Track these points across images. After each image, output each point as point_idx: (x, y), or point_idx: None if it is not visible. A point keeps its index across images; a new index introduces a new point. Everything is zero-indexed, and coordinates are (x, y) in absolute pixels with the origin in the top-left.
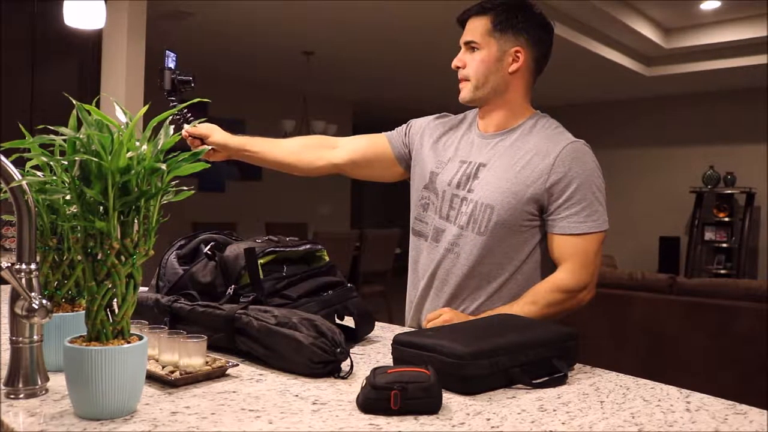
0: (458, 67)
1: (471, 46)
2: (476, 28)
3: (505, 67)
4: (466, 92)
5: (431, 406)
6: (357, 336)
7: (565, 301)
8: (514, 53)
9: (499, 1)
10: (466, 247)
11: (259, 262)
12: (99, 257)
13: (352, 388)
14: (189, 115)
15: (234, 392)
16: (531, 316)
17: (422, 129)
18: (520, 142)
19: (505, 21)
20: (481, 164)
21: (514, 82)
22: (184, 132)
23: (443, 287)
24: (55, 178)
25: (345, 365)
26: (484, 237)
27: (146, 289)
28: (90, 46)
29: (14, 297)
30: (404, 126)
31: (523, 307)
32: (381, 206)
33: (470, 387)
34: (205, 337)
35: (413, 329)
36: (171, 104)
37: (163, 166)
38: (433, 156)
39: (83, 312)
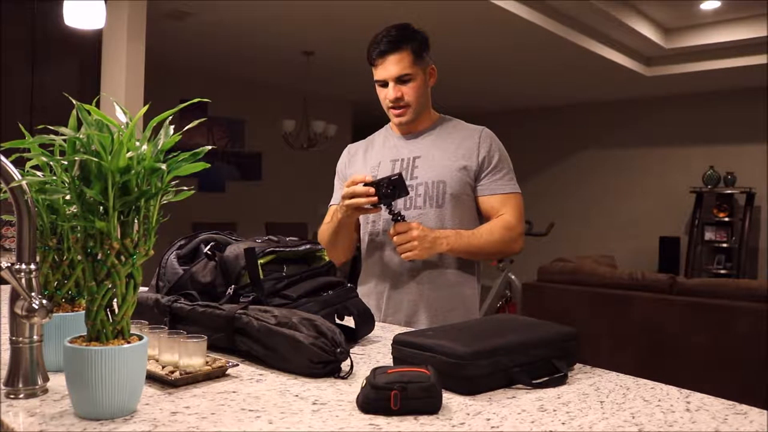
0: (398, 98)
1: (403, 79)
2: (401, 62)
3: (429, 84)
4: (408, 116)
5: (431, 406)
6: (357, 336)
7: (508, 241)
8: (431, 70)
9: (405, 33)
10: (429, 223)
11: (259, 262)
12: (99, 257)
13: (352, 388)
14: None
15: (234, 392)
16: (479, 244)
17: (346, 163)
18: (443, 134)
19: (420, 48)
20: (415, 157)
21: (430, 91)
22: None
23: (417, 264)
24: (55, 178)
25: (345, 365)
26: (441, 209)
27: (146, 289)
28: (90, 46)
29: (14, 297)
30: (337, 181)
31: (480, 235)
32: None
33: (470, 387)
34: (205, 337)
35: (413, 329)
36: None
37: (163, 166)
38: (365, 167)
39: (83, 312)
